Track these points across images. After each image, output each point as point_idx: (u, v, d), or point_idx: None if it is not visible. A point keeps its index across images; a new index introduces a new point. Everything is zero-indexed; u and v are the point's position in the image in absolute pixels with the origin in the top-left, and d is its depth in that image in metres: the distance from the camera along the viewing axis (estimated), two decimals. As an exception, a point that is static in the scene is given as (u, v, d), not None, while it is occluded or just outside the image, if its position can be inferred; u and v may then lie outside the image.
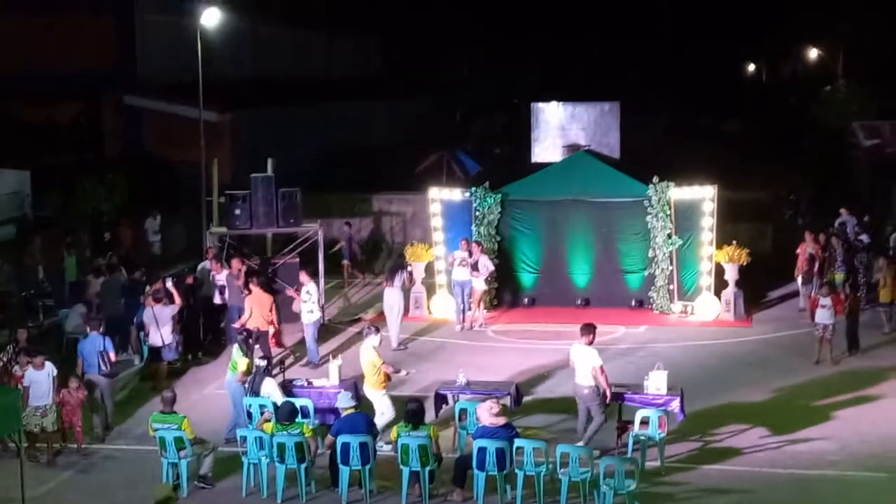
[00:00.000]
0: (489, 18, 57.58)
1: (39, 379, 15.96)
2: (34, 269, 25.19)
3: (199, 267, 23.26)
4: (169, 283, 20.65)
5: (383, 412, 15.99)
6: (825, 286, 21.48)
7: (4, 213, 27.50)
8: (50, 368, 16.14)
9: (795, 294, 24.60)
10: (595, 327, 16.22)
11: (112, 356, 17.39)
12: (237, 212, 24.03)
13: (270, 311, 20.23)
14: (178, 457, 14.78)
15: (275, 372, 17.10)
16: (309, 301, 20.74)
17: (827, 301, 20.35)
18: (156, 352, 19.81)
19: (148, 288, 21.14)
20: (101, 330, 17.46)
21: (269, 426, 14.78)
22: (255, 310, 20.02)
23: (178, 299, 20.22)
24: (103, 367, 17.10)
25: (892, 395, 18.36)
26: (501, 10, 57.50)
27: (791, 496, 14.49)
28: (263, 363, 16.62)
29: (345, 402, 14.97)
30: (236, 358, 16.79)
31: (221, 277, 22.12)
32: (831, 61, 54.20)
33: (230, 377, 16.87)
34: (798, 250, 24.31)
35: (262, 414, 15.58)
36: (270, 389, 16.24)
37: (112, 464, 16.15)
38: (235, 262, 22.69)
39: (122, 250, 27.22)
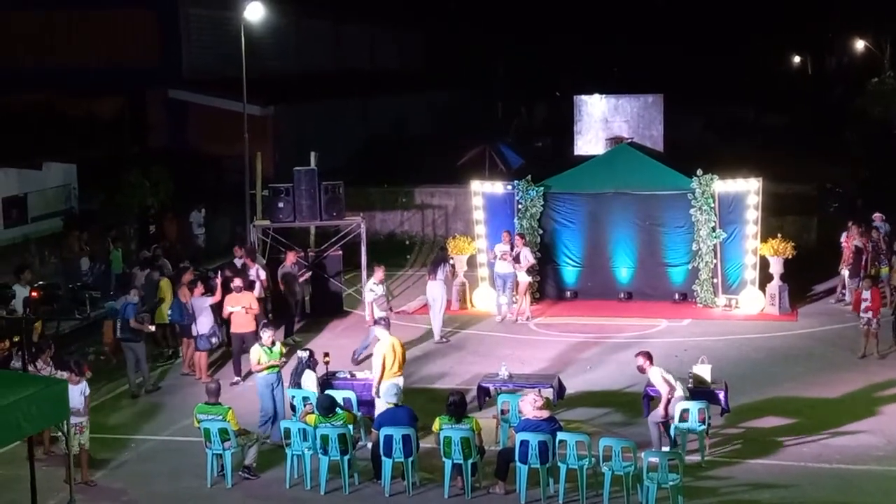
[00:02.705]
0: (531, 11, 57.40)
1: (73, 395, 14.47)
2: (72, 261, 25.42)
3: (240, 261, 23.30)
4: (218, 280, 20.78)
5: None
6: (867, 279, 21.23)
7: (52, 207, 27.81)
8: (83, 387, 15.31)
9: (841, 287, 24.34)
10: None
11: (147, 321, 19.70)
12: (280, 205, 24.21)
13: (251, 309, 19.75)
14: (223, 448, 14.90)
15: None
16: (380, 297, 20.79)
17: (868, 294, 20.16)
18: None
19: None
20: (135, 297, 19.33)
21: (312, 418, 14.87)
22: (243, 310, 19.60)
23: (217, 294, 20.27)
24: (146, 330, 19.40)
25: (939, 390, 18.16)
26: (544, 3, 57.34)
27: (836, 491, 14.36)
28: (305, 354, 16.68)
29: (390, 396, 15.02)
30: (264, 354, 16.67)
31: (253, 272, 22.25)
32: (878, 52, 53.51)
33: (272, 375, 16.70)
34: (843, 242, 24.05)
35: (305, 406, 15.66)
36: (309, 382, 16.30)
37: (157, 454, 16.31)
38: (291, 256, 22.91)
39: (166, 243, 27.45)
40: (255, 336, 19.32)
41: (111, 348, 21.09)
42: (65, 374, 15.45)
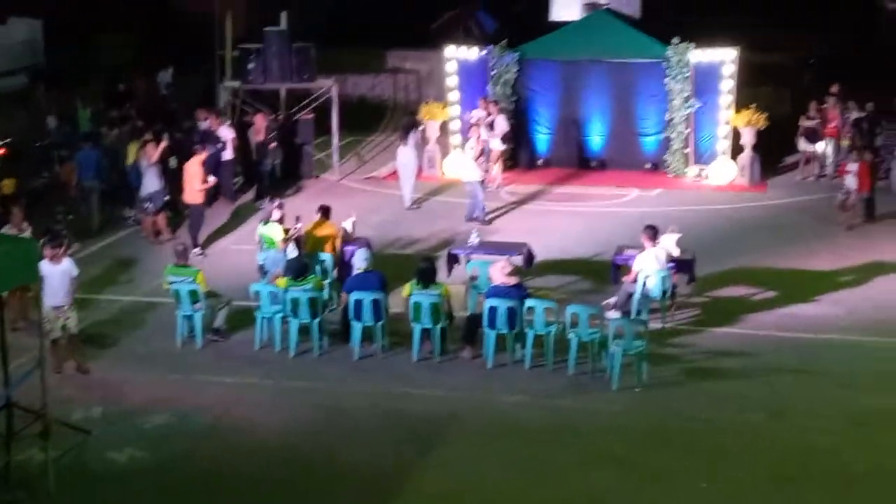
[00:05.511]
0: None
1: (52, 274, 13.65)
2: (39, 119, 25.06)
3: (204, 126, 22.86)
4: (164, 141, 20.22)
5: None
6: (855, 151, 21.27)
7: (17, 63, 27.27)
8: (68, 266, 14.07)
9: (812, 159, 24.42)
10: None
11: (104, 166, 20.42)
12: (250, 66, 23.80)
13: (202, 181, 19.03)
14: (193, 310, 14.96)
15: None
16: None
17: (854, 167, 20.28)
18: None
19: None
20: (93, 146, 20.58)
21: (282, 281, 14.92)
22: (190, 182, 19.09)
23: (154, 156, 19.68)
24: (102, 175, 20.17)
25: (903, 263, 18.41)
26: None
27: (797, 360, 14.61)
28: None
29: (360, 261, 15.07)
30: (267, 232, 16.51)
31: (223, 133, 21.97)
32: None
33: (272, 254, 16.30)
34: (829, 114, 23.95)
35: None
36: (275, 232, 16.31)
37: (126, 317, 16.35)
38: (260, 119, 22.60)
39: (138, 102, 27.07)
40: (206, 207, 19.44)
41: (72, 190, 21.09)
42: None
